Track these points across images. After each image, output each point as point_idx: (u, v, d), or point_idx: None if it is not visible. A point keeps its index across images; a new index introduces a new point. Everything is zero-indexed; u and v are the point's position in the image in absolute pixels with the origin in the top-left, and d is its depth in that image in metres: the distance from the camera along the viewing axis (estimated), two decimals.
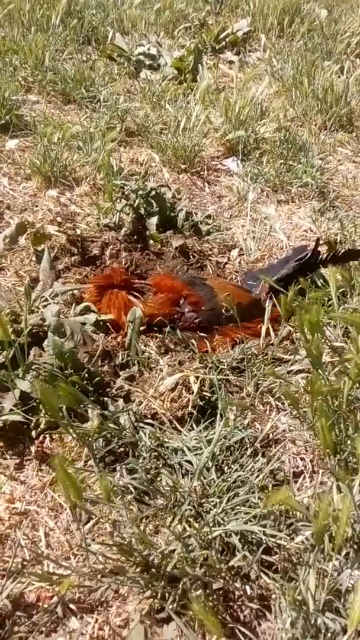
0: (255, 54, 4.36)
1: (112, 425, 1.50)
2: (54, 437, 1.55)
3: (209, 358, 1.75)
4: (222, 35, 4.44)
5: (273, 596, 1.28)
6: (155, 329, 1.86)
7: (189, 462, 1.45)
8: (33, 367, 1.55)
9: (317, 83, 3.54)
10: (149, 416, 1.58)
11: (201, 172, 2.93)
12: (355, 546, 1.31)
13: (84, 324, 1.75)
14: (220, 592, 1.28)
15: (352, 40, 4.35)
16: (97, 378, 1.60)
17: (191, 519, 1.36)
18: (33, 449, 1.52)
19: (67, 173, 2.69)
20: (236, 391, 1.73)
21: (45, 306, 1.76)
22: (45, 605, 1.26)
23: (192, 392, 1.59)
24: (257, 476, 1.43)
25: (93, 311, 1.84)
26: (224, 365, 1.76)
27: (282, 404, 1.70)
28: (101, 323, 1.79)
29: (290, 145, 2.99)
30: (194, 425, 1.56)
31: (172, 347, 1.80)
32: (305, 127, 3.24)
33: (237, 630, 1.25)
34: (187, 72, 3.74)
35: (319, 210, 2.65)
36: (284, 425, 1.64)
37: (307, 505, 1.44)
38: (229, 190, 2.82)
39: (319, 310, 1.40)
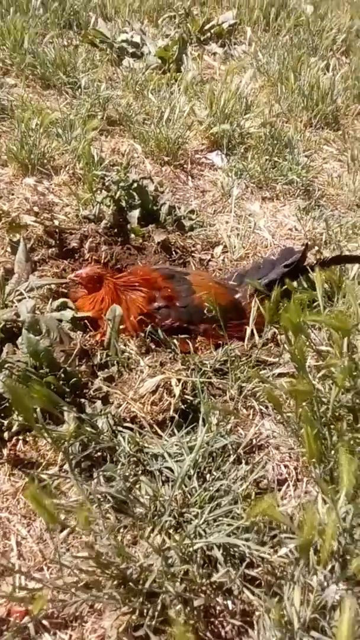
0: (241, 47, 4.29)
1: (89, 429, 1.42)
2: (27, 440, 1.47)
3: (192, 359, 1.68)
4: (207, 27, 4.36)
5: (256, 612, 1.22)
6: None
7: (170, 469, 1.39)
8: (5, 366, 1.46)
9: (303, 79, 3.49)
10: (128, 420, 1.51)
11: (184, 165, 2.86)
12: (340, 559, 1.26)
13: (60, 320, 1.67)
14: (201, 607, 1.22)
15: (338, 37, 4.32)
16: (74, 379, 1.53)
17: (171, 530, 1.29)
18: (5, 452, 1.44)
19: (46, 161, 2.59)
20: (219, 394, 1.67)
21: (20, 300, 1.68)
22: (17, 621, 1.18)
23: (174, 395, 1.53)
24: (241, 485, 1.37)
25: (70, 307, 1.75)
26: (207, 367, 1.70)
27: (266, 407, 1.64)
28: (78, 321, 1.71)
29: (275, 142, 2.93)
30: (175, 430, 1.49)
31: (153, 347, 1.73)
32: (291, 123, 3.19)
33: None
34: (171, 62, 3.66)
35: (304, 209, 2.60)
36: (267, 431, 1.58)
37: (291, 516, 1.38)
38: (213, 185, 2.75)
39: (299, 310, 1.34)
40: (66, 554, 1.27)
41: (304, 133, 3.23)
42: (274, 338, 1.85)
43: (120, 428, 1.47)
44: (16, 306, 1.64)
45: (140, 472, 1.39)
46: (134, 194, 2.30)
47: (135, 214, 2.25)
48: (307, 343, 1.59)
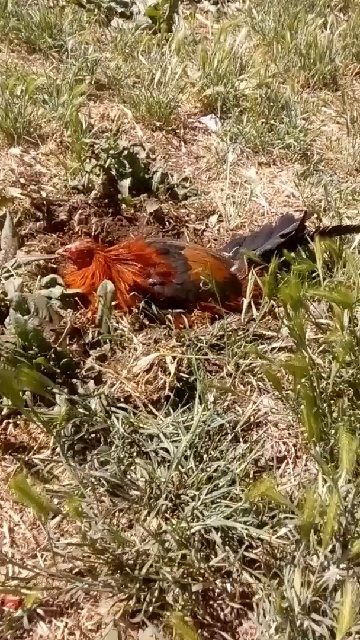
0: (234, 4, 4.11)
1: (81, 411, 1.38)
2: (18, 423, 1.42)
3: (187, 335, 1.62)
4: None
5: (256, 595, 1.20)
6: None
7: (166, 450, 1.34)
8: None
9: (300, 38, 3.35)
10: (122, 400, 1.46)
11: (177, 130, 2.76)
12: (341, 540, 1.23)
13: (49, 298, 1.61)
14: (200, 592, 1.19)
15: None
16: (65, 359, 1.47)
17: (168, 513, 1.26)
18: None
19: (32, 129, 2.49)
20: (215, 370, 1.62)
21: (7, 278, 1.61)
22: (11, 610, 1.16)
23: (169, 374, 1.48)
24: (239, 464, 1.34)
25: (59, 284, 1.69)
26: (203, 343, 1.65)
27: (264, 384, 1.59)
28: (68, 298, 1.65)
29: (272, 104, 2.82)
30: (171, 410, 1.44)
31: (146, 323, 1.67)
32: (288, 84, 3.06)
33: (216, 631, 1.17)
34: (162, 22, 3.50)
35: (302, 174, 2.51)
36: (266, 408, 1.54)
37: (290, 495, 1.35)
38: (207, 151, 2.65)
39: (299, 285, 1.28)
40: (60, 540, 1.24)
41: (302, 94, 3.11)
42: (272, 311, 1.79)
43: (114, 409, 1.43)
44: (3, 284, 1.57)
45: (135, 453, 1.35)
46: (125, 162, 2.21)
47: (126, 183, 2.17)
48: (307, 316, 1.53)
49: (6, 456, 1.37)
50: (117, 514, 1.28)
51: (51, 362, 1.46)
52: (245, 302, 1.73)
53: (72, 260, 1.77)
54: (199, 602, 1.18)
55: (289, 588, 1.13)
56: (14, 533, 1.27)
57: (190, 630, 0.95)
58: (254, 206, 2.31)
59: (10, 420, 1.42)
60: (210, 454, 1.36)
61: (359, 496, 1.20)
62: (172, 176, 2.35)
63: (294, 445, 1.48)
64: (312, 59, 3.21)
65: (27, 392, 1.37)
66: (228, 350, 1.63)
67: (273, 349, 1.65)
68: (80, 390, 1.48)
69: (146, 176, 2.27)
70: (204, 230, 2.17)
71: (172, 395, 1.46)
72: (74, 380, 1.48)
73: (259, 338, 1.71)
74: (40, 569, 1.19)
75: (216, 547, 1.22)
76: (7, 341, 1.42)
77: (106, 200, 2.15)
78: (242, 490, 1.26)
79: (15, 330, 1.40)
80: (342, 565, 1.16)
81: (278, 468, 1.43)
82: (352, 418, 1.38)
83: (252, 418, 1.52)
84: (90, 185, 2.19)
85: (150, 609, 1.14)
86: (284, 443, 1.48)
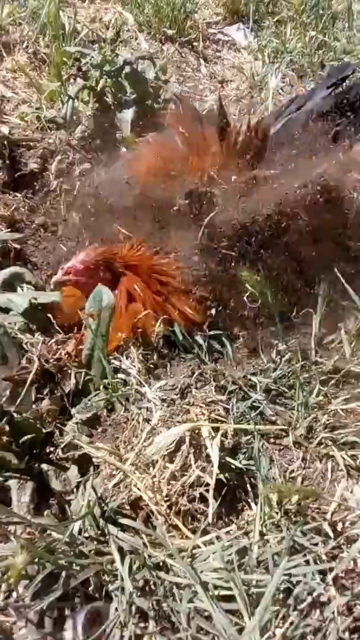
0: None
1: (48, 551, 0.76)
2: None
3: (233, 376, 0.99)
4: None
5: None
6: None
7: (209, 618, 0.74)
8: None
9: None
10: (127, 507, 0.84)
11: (194, 44, 2.03)
12: None
13: (6, 311, 0.96)
14: None
15: None
16: (30, 432, 0.84)
17: None
18: None
19: None
20: (275, 435, 0.99)
21: None
22: None
23: (211, 463, 0.85)
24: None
25: (28, 283, 1.04)
26: (256, 383, 1.02)
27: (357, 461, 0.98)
28: (39, 307, 1.00)
29: (321, 11, 2.08)
30: (212, 527, 0.83)
31: (165, 353, 1.03)
32: None
33: None
34: None
35: None
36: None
37: None
38: (237, 72, 1.93)
39: None
40: None
41: None
42: None
43: (112, 528, 0.81)
44: None
45: (151, 627, 0.74)
46: (126, 83, 1.50)
47: (129, 115, 1.49)
48: None
49: None
50: None
51: (4, 439, 0.83)
52: (315, 323, 1.09)
53: (86, 288, 1.07)
54: None
55: None
56: None
57: None
58: None
59: None
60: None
61: None
62: None
63: None
64: None
65: None
66: (297, 400, 1.00)
67: None
68: (54, 484, 0.85)
69: (156, 105, 1.57)
70: None
71: (214, 503, 0.84)
72: (44, 468, 0.86)
73: (341, 375, 1.08)
74: None
75: None
76: None
77: (98, 141, 1.47)
78: None
79: None
80: None
81: None
82: None
83: (339, 526, 0.90)
84: (75, 117, 1.49)
85: None
86: None
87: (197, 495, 0.85)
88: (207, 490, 0.85)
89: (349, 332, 1.13)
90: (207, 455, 0.87)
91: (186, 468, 0.86)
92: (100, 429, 0.92)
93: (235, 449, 0.92)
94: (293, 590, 0.78)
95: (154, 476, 0.85)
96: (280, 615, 0.75)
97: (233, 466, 0.88)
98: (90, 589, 0.78)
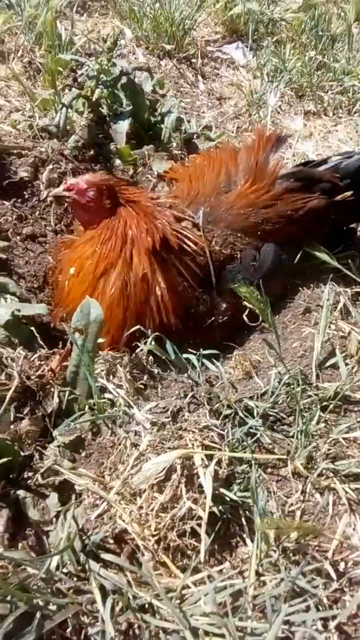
0: None
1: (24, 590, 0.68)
2: None
3: (227, 396, 0.93)
4: None
5: None
6: None
7: None
8: None
9: None
10: (110, 541, 0.76)
11: (193, 60, 1.99)
12: None
13: None
14: None
15: None
16: (7, 455, 0.77)
17: None
18: None
19: None
20: (272, 465, 0.93)
21: None
22: None
23: (204, 494, 0.78)
24: None
25: (12, 294, 0.97)
26: (253, 408, 0.95)
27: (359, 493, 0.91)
28: (21, 319, 0.93)
29: (321, 33, 2.06)
30: (203, 566, 0.75)
31: (156, 373, 0.96)
32: (347, 4, 2.29)
33: None
34: None
35: None
36: None
37: None
38: (235, 90, 1.90)
39: None
40: None
41: None
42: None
43: (94, 565, 0.73)
44: None
45: None
46: (122, 94, 1.46)
47: (124, 126, 1.44)
48: None
49: None
50: None
51: None
52: (322, 324, 1.04)
53: (82, 210, 1.13)
54: None
55: None
56: None
57: None
58: None
59: None
60: None
61: None
62: (188, 122, 1.61)
63: None
64: None
65: None
66: (296, 428, 0.93)
67: None
68: (32, 513, 0.78)
69: (152, 119, 1.53)
70: None
71: (206, 539, 0.76)
72: (21, 494, 0.78)
73: (342, 401, 1.01)
74: None
75: None
76: None
77: (92, 152, 1.43)
78: None
79: None
80: None
81: None
82: None
83: (342, 565, 0.83)
84: (68, 127, 1.44)
85: None
86: None
87: (188, 530, 0.78)
88: (199, 524, 0.78)
89: (352, 356, 1.08)
90: (200, 486, 0.80)
91: (176, 499, 0.78)
92: (84, 454, 0.85)
93: (230, 479, 0.85)
94: (292, 638, 0.71)
95: (141, 507, 0.78)
96: None
97: (227, 498, 0.81)
98: (68, 631, 0.70)
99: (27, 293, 1.06)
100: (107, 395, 0.88)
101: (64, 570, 0.74)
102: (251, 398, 0.97)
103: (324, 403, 0.99)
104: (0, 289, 0.98)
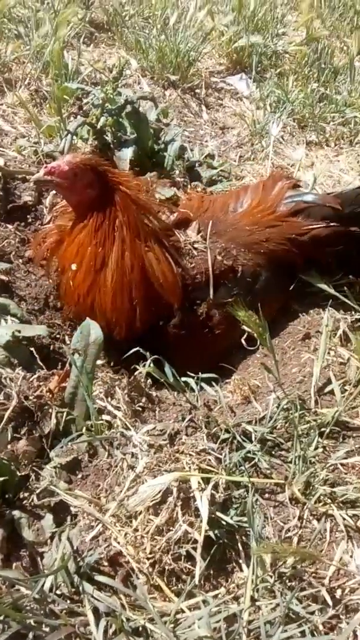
0: None
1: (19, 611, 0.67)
2: None
3: (225, 420, 0.93)
4: None
5: None
6: None
7: None
8: None
9: None
10: (105, 564, 0.76)
11: (197, 90, 2.04)
12: None
13: None
14: None
15: None
16: (2, 477, 0.77)
17: None
18: None
19: None
20: (269, 490, 0.92)
21: None
22: None
23: (200, 517, 0.78)
24: None
25: (13, 315, 0.98)
26: (250, 432, 0.95)
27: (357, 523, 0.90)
28: (21, 340, 0.94)
29: (323, 65, 2.11)
30: (198, 590, 0.75)
31: (154, 396, 0.96)
32: (349, 39, 2.35)
33: None
34: None
35: None
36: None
37: None
38: (238, 120, 1.94)
39: None
40: None
41: None
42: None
43: (88, 588, 0.72)
44: None
45: None
46: (126, 123, 1.48)
47: (128, 153, 1.46)
48: None
49: None
50: None
51: None
52: (321, 350, 1.04)
53: (68, 193, 1.13)
54: None
55: None
56: None
57: None
58: None
59: None
60: None
61: None
62: (192, 150, 1.63)
63: None
64: None
65: None
66: (294, 453, 0.93)
67: None
68: (26, 533, 0.77)
69: (156, 147, 1.55)
70: None
71: (202, 564, 0.76)
72: (16, 515, 0.78)
73: (340, 427, 1.01)
74: None
75: None
76: None
77: None
78: None
79: None
80: None
81: None
82: None
83: (338, 593, 0.82)
84: (73, 153, 1.46)
85: None
86: None
87: (184, 553, 0.77)
88: (195, 548, 0.77)
89: (350, 382, 1.08)
90: (196, 509, 0.80)
91: (172, 522, 0.78)
92: (80, 475, 0.84)
93: (227, 503, 0.84)
94: None
95: (137, 530, 0.77)
96: None
97: (224, 522, 0.81)
98: None
99: (27, 315, 1.07)
100: (104, 416, 0.89)
101: (58, 591, 0.74)
102: (249, 422, 0.97)
103: (322, 429, 0.99)
104: (1, 310, 0.99)
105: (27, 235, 1.28)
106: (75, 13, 1.84)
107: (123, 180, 1.15)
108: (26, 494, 0.81)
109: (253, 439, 0.95)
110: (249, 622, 0.73)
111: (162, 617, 0.72)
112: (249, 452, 0.92)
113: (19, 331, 0.93)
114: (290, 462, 0.94)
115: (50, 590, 0.73)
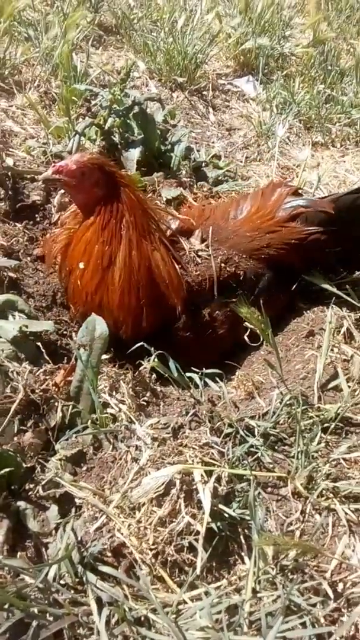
0: None
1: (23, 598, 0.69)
2: None
3: (228, 415, 0.94)
4: None
5: None
6: None
7: None
8: None
9: None
10: (108, 554, 0.77)
11: (204, 92, 2.05)
12: None
13: None
14: None
15: None
16: (10, 466, 0.78)
17: None
18: None
19: (7, 72, 1.78)
20: (272, 484, 0.93)
21: None
22: None
23: (202, 509, 0.79)
24: None
25: (20, 311, 0.99)
26: (254, 427, 0.96)
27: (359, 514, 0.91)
28: (29, 335, 0.95)
29: (329, 67, 2.12)
30: (200, 581, 0.76)
31: (159, 391, 0.98)
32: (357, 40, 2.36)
33: None
34: None
35: None
36: None
37: None
38: (244, 121, 1.95)
39: None
40: None
41: None
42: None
43: (91, 577, 0.74)
44: None
45: None
46: (134, 123, 1.50)
47: (135, 154, 1.47)
48: None
49: None
50: None
51: None
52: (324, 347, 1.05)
53: (76, 192, 1.14)
54: None
55: None
56: None
57: None
58: None
59: None
60: None
61: None
62: (198, 151, 1.65)
63: None
64: None
65: None
66: (296, 448, 0.94)
67: None
68: (31, 524, 0.79)
69: (163, 147, 1.57)
70: None
71: (203, 555, 0.77)
72: (22, 505, 0.79)
73: (343, 423, 1.02)
74: None
75: None
76: None
77: None
78: None
79: None
80: None
81: None
82: None
83: (340, 587, 0.83)
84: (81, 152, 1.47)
85: None
86: None
87: (186, 545, 0.78)
88: (197, 540, 0.78)
89: (353, 379, 1.08)
90: (199, 501, 0.81)
91: (175, 514, 0.79)
92: (85, 467, 0.86)
93: (229, 496, 0.85)
94: None
95: (140, 521, 0.78)
96: None
97: (226, 514, 0.82)
98: None
99: (35, 312, 1.09)
100: (109, 410, 0.90)
101: (61, 581, 0.75)
102: (252, 417, 0.98)
103: (325, 424, 1.00)
104: (9, 306, 1.01)
105: (35, 234, 1.30)
106: (84, 16, 1.85)
107: (131, 183, 1.17)
108: (32, 486, 0.82)
109: (256, 433, 0.96)
110: (250, 613, 0.74)
111: (164, 607, 0.73)
112: (251, 446, 0.93)
113: (26, 326, 0.94)
114: (293, 456, 0.95)
115: (54, 579, 0.74)
